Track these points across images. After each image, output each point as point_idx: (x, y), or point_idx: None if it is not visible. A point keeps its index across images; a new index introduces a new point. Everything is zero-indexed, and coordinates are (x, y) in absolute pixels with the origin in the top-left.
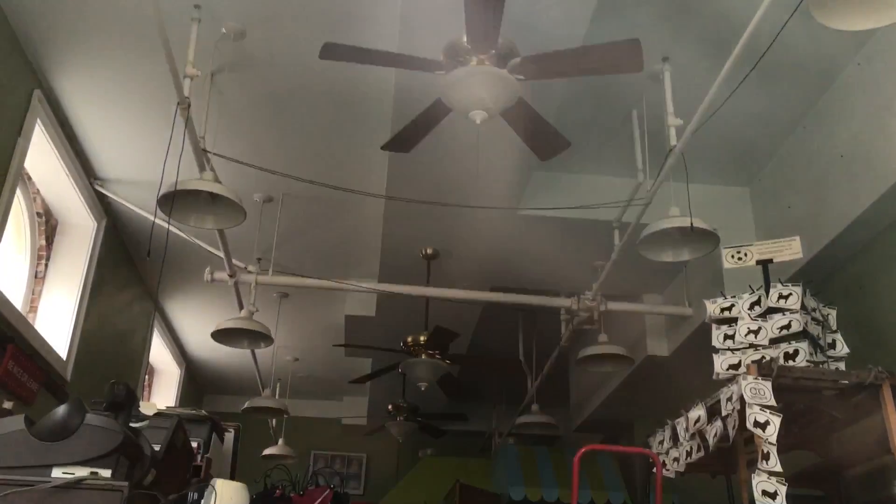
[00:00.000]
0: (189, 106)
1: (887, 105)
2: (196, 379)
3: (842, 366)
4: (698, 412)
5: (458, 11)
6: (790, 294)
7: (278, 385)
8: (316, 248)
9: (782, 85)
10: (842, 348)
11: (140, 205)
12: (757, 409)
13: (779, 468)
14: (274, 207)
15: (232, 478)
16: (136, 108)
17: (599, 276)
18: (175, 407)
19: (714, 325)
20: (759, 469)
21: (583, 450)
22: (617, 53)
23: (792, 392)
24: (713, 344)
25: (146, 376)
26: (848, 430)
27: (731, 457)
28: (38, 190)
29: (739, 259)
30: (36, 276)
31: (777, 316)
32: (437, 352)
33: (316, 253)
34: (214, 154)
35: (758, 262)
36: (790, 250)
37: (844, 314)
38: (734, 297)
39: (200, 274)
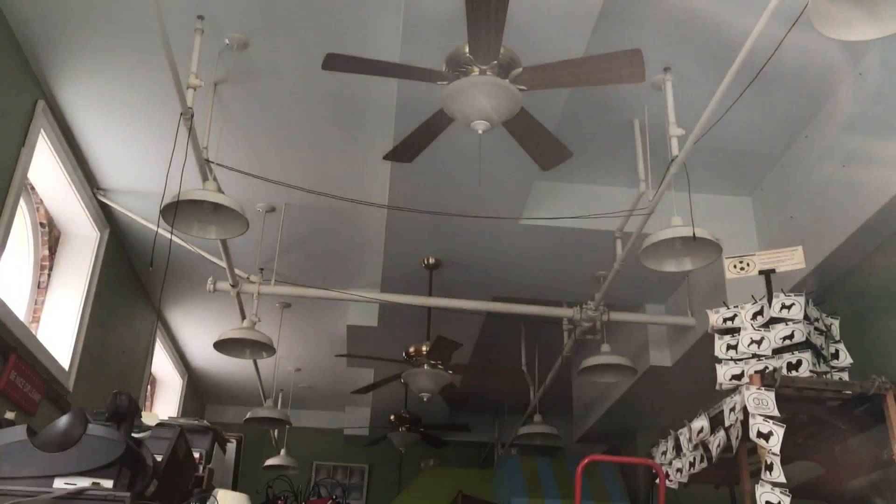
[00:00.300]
0: (192, 116)
1: (888, 115)
2: (198, 389)
3: (845, 376)
4: (701, 423)
5: (460, 22)
6: (793, 304)
7: (280, 395)
8: (318, 258)
9: (784, 94)
10: (845, 358)
11: (143, 215)
12: (760, 419)
13: (782, 479)
14: (276, 217)
15: (234, 488)
16: (139, 118)
17: (602, 286)
18: (177, 417)
19: (717, 336)
20: (762, 480)
21: (586, 460)
22: (618, 63)
23: (795, 402)
24: (716, 354)
25: (148, 386)
26: (852, 440)
27: (734, 468)
28: (41, 200)
29: (742, 269)
30: (39, 286)
31: (780, 326)
32: (439, 362)
33: (318, 263)
34: (217, 164)
35: (760, 272)
36: (793, 260)
37: (847, 324)
38: (737, 307)
39: (203, 284)
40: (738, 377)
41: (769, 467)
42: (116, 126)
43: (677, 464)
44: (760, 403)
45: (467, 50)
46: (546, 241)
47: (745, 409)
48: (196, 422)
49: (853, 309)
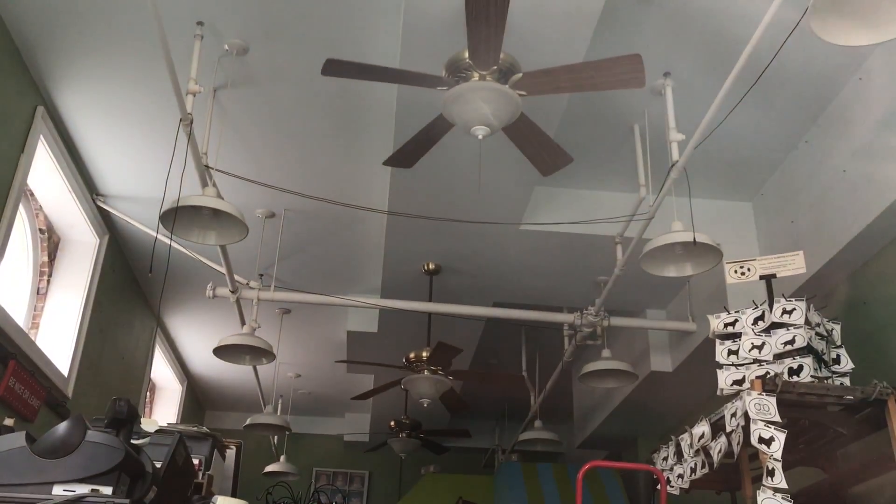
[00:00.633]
0: (191, 122)
1: (888, 119)
2: (197, 395)
3: (846, 381)
4: (702, 428)
5: (459, 27)
6: (794, 309)
7: (280, 401)
8: (318, 263)
9: (784, 99)
10: (846, 363)
11: (142, 221)
12: (761, 424)
13: (784, 485)
14: (276, 223)
15: (233, 495)
16: (138, 124)
17: (602, 291)
18: (176, 424)
19: (718, 341)
20: (764, 486)
21: (586, 466)
22: (618, 69)
23: (796, 408)
24: (717, 359)
25: (147, 393)
26: (853, 445)
27: (735, 473)
28: (40, 206)
29: (743, 274)
30: (38, 293)
31: (781, 331)
32: (439, 368)
33: (318, 268)
34: (217, 170)
35: (761, 277)
36: (793, 265)
37: (848, 329)
38: (738, 312)
39: (202, 290)
40: (740, 382)
41: (771, 473)
42: (116, 132)
43: (678, 469)
44: (762, 409)
45: (467, 55)
46: (546, 247)
47: (746, 415)
48: (195, 428)
49: (854, 314)
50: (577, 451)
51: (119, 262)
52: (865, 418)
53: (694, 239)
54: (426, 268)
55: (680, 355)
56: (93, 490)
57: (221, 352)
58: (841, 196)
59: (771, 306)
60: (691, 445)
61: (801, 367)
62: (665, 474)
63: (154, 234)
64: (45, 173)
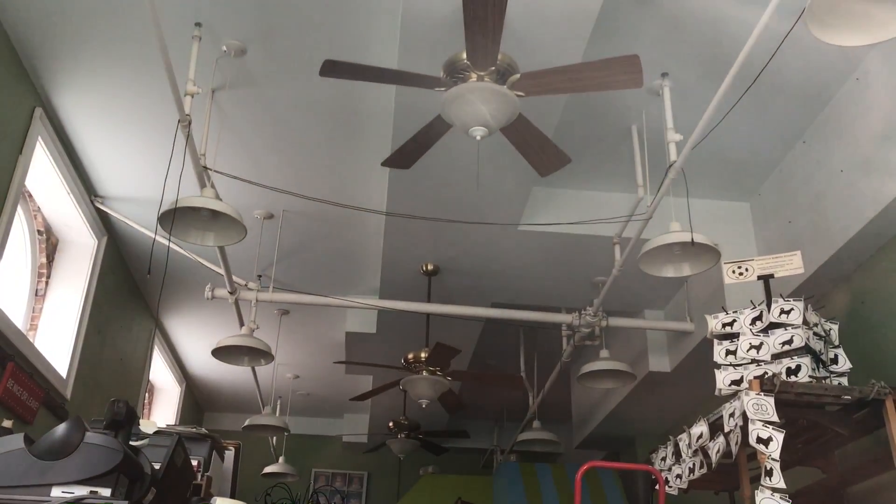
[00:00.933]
0: (190, 123)
1: (886, 119)
2: (196, 397)
3: (844, 381)
4: (700, 428)
5: (457, 28)
6: (792, 309)
7: (279, 403)
8: (316, 264)
9: (782, 100)
10: (844, 363)
11: (141, 222)
12: (759, 424)
13: (782, 485)
14: (274, 224)
15: (232, 496)
16: (136, 125)
17: (600, 291)
18: (175, 425)
19: (716, 341)
20: (762, 486)
21: (585, 466)
22: (616, 69)
23: (794, 408)
24: (715, 359)
25: (146, 394)
26: (851, 445)
27: (733, 473)
28: (38, 207)
29: (740, 274)
30: (36, 294)
31: (779, 331)
32: (437, 368)
33: (316, 270)
34: (215, 171)
35: (759, 278)
36: (791, 265)
37: (846, 329)
38: (735, 312)
39: (201, 291)
40: (738, 382)
41: (769, 473)
42: (114, 133)
43: (677, 469)
44: (760, 409)
45: (465, 56)
46: (545, 247)
47: (744, 415)
48: (194, 429)
49: (852, 314)
50: (576, 451)
51: (117, 263)
52: (863, 418)
53: (692, 239)
54: (424, 268)
55: (678, 355)
56: (91, 492)
57: (220, 353)
58: (838, 196)
59: (769, 306)
60: (689, 445)
61: (799, 367)
62: (663, 474)
63: (152, 235)
64: (43, 175)
